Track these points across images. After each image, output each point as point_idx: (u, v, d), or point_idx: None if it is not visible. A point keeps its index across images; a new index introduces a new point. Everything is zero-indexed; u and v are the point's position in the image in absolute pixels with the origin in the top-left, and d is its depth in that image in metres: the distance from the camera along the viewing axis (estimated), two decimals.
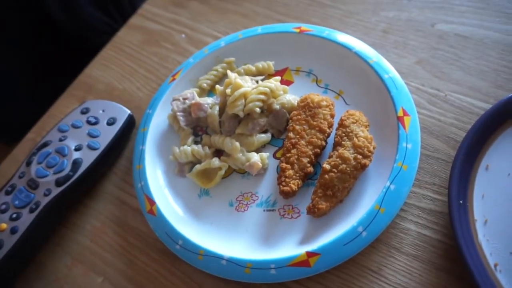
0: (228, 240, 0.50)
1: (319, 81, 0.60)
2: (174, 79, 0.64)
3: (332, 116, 0.53)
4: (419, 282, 0.44)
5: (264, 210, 0.52)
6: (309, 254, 0.44)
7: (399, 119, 0.50)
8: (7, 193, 0.56)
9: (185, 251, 0.49)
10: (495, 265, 0.41)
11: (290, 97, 0.57)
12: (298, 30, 0.62)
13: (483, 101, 0.53)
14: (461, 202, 0.44)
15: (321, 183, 0.48)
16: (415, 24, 0.63)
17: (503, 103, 0.48)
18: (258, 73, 0.62)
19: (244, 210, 0.52)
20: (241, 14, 0.73)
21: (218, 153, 0.57)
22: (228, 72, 0.58)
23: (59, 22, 0.87)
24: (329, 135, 0.52)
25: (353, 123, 0.50)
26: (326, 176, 0.47)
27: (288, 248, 0.47)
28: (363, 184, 0.49)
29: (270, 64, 0.62)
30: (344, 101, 0.57)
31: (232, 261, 0.47)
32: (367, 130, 0.50)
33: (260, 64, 0.62)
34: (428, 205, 0.48)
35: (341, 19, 0.68)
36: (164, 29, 0.76)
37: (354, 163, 0.47)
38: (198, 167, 0.55)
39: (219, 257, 0.47)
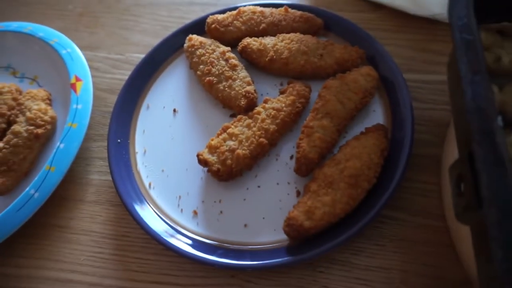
0: None
1: (16, 72, 0.61)
2: None
3: (15, 99, 0.54)
4: (100, 222, 0.47)
5: None
6: None
7: (72, 86, 0.53)
8: None
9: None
10: (150, 184, 0.46)
11: None
12: None
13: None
14: (119, 141, 0.49)
15: None
16: (105, 2, 0.68)
17: (153, 51, 0.55)
18: None
19: None
20: None
21: None
22: None
23: None
24: (9, 117, 0.53)
25: (28, 99, 0.52)
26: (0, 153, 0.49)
27: None
28: None
29: None
30: (38, 84, 0.59)
31: None
32: (46, 103, 0.53)
33: None
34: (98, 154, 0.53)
35: (44, 13, 0.69)
36: None
37: (26, 135, 0.49)
38: None
39: None
